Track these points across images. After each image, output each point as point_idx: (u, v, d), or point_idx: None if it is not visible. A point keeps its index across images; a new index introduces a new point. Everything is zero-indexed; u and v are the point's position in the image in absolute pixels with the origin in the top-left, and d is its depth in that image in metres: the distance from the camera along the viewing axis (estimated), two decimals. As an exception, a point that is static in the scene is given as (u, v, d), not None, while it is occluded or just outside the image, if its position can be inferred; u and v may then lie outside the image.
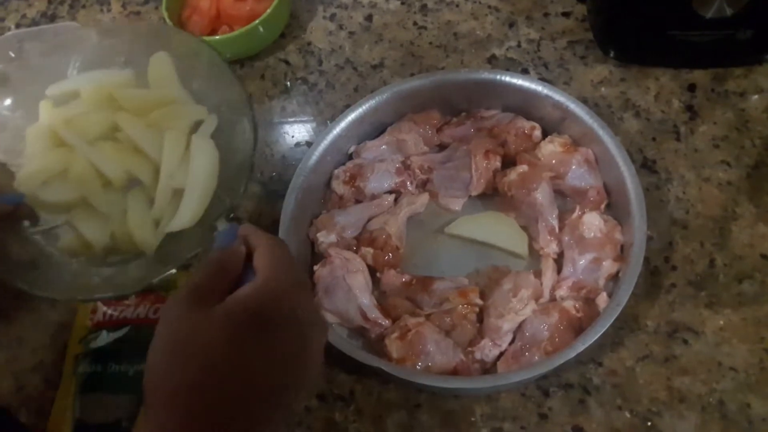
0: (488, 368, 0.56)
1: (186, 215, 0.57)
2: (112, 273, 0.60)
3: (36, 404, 0.63)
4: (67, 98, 0.64)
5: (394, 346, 0.56)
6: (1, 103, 0.66)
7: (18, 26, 0.92)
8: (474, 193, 0.65)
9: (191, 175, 0.58)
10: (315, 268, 0.62)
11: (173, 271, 0.56)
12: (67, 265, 0.60)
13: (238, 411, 0.37)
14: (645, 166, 0.65)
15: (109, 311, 0.66)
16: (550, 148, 0.63)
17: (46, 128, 0.61)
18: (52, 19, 0.92)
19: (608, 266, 0.57)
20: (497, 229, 0.62)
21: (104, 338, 0.65)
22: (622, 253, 0.58)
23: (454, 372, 0.55)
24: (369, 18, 0.81)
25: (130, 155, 0.60)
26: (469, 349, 0.56)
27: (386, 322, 0.59)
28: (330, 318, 0.60)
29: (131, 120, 0.61)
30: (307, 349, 0.40)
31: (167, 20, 0.78)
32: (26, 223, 0.61)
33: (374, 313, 0.59)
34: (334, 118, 0.73)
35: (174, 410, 0.38)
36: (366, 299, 0.60)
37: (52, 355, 0.66)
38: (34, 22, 0.92)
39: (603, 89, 0.70)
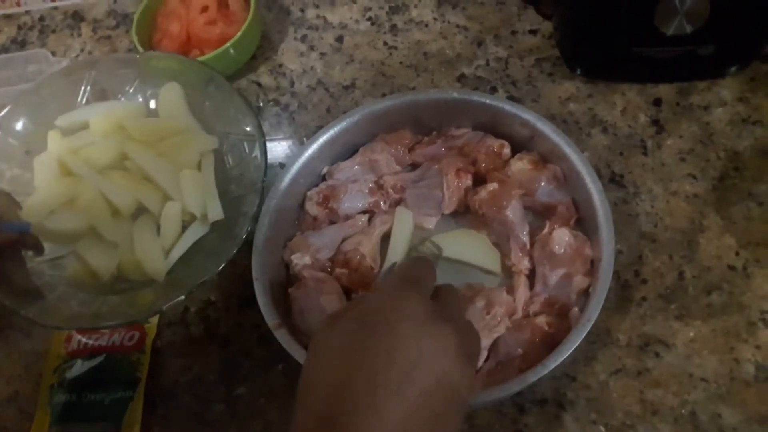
0: (464, 387, 0.57)
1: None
2: (120, 301, 0.60)
3: (11, 435, 0.63)
4: (77, 128, 0.65)
5: (369, 368, 0.56)
6: (9, 132, 0.66)
7: (-13, 53, 0.92)
8: (447, 212, 0.65)
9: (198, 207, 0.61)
10: (290, 290, 0.62)
11: (182, 297, 0.57)
12: (74, 294, 0.60)
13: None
14: (613, 181, 0.66)
15: (84, 339, 0.66)
16: (520, 166, 0.64)
17: (54, 157, 0.62)
18: (22, 44, 0.91)
19: (579, 281, 0.58)
20: (470, 247, 0.63)
21: (79, 367, 0.64)
22: (592, 268, 0.59)
23: (430, 391, 0.56)
24: (340, 39, 0.82)
25: (138, 184, 0.61)
26: (445, 368, 0.56)
27: (362, 343, 0.59)
28: (306, 340, 0.60)
29: (141, 149, 0.62)
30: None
31: (137, 45, 0.78)
32: (29, 252, 0.61)
33: (350, 335, 0.59)
34: (307, 138, 0.73)
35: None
36: (341, 321, 0.60)
37: (27, 385, 0.65)
38: (4, 48, 0.92)
39: (571, 105, 0.71)
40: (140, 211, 0.63)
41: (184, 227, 0.63)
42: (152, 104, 0.71)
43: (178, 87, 0.68)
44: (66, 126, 0.67)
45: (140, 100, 0.70)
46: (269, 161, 0.68)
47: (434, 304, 0.41)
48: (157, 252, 0.60)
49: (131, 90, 0.71)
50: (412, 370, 0.36)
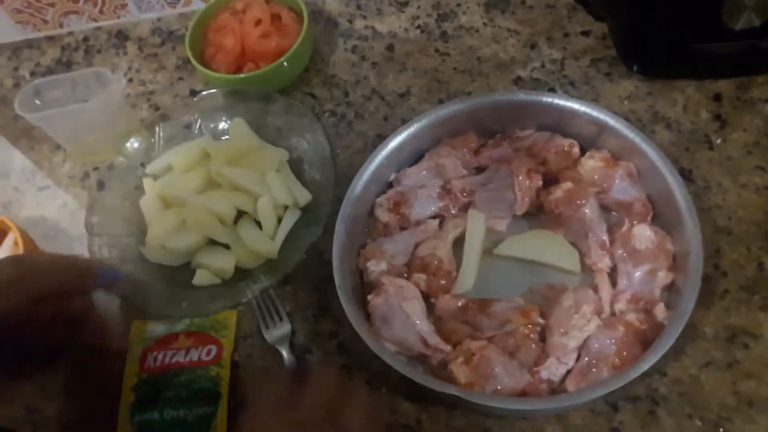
0: (556, 387, 0.57)
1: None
2: (197, 297, 0.66)
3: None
4: (163, 172, 0.75)
5: (460, 372, 0.56)
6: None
7: (33, 74, 0.92)
8: (519, 213, 0.65)
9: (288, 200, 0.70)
10: (369, 297, 0.62)
11: (250, 296, 0.64)
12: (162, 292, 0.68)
13: None
14: (682, 176, 0.65)
15: (160, 356, 0.65)
16: (592, 164, 0.64)
17: (155, 196, 0.72)
18: (68, 65, 0.92)
19: (663, 277, 0.58)
20: (547, 247, 0.63)
21: (157, 384, 0.64)
22: (674, 263, 0.59)
23: (523, 393, 0.56)
24: (390, 48, 0.83)
25: (231, 194, 0.70)
26: (536, 369, 0.56)
27: (448, 348, 0.59)
28: (389, 347, 0.59)
29: (226, 167, 0.71)
30: None
31: (192, 60, 0.79)
32: None
33: (435, 339, 0.59)
34: (367, 147, 0.74)
35: None
36: (425, 326, 0.60)
37: (106, 405, 0.64)
38: (49, 70, 0.92)
39: (631, 104, 0.72)
40: (238, 217, 0.71)
41: (279, 219, 0.70)
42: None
43: (242, 122, 0.76)
44: (153, 172, 0.75)
45: (206, 135, 0.78)
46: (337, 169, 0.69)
47: None
48: (264, 238, 0.68)
49: (196, 130, 0.78)
50: None
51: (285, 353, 0.63)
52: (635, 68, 0.72)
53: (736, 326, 0.58)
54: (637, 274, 0.59)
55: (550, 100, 0.66)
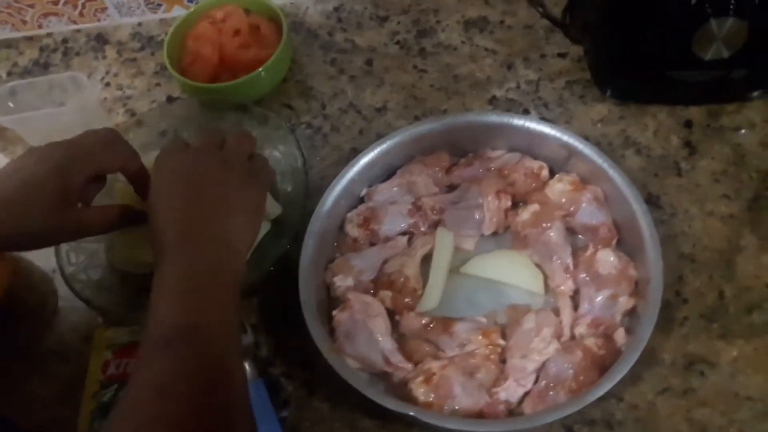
0: (513, 408, 0.57)
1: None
2: None
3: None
4: None
5: (420, 391, 0.56)
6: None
7: (9, 74, 0.92)
8: (487, 233, 0.66)
9: None
10: (334, 313, 0.62)
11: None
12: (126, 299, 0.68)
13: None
14: (649, 202, 0.67)
15: (123, 364, 0.65)
16: (560, 187, 0.65)
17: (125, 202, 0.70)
18: (45, 66, 0.92)
19: (624, 302, 0.59)
20: (512, 268, 0.64)
21: (117, 392, 0.63)
22: (636, 288, 0.60)
23: (481, 414, 0.56)
24: (369, 62, 0.83)
25: None
26: (494, 390, 0.57)
27: (409, 366, 0.59)
28: (351, 363, 0.60)
29: None
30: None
31: (169, 68, 0.79)
32: None
33: (397, 358, 0.59)
34: (341, 160, 0.74)
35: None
36: (388, 344, 0.60)
37: (66, 411, 0.64)
38: (26, 71, 0.92)
39: (603, 127, 0.73)
40: None
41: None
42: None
43: None
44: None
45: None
46: (309, 184, 0.69)
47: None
48: None
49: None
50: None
51: (247, 366, 0.63)
52: (608, 92, 0.73)
53: (694, 354, 0.59)
54: (599, 298, 0.59)
55: (521, 122, 0.67)
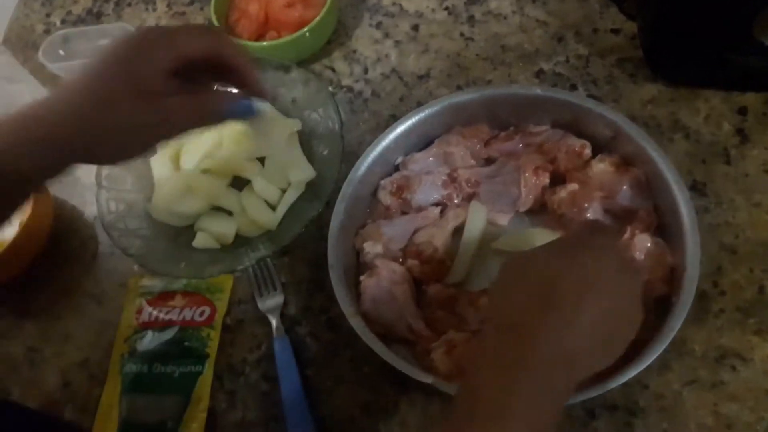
0: (535, 386, 0.56)
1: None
2: (196, 259, 0.68)
3: (81, 401, 0.65)
4: None
5: (441, 361, 0.56)
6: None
7: (63, 22, 0.94)
8: (522, 209, 0.65)
9: (292, 175, 0.71)
10: (361, 278, 0.62)
11: (247, 264, 0.65)
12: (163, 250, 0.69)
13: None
14: (694, 189, 0.65)
15: (155, 312, 0.67)
16: (601, 168, 0.63)
17: (165, 158, 0.73)
18: (98, 16, 0.93)
19: (658, 288, 0.57)
20: (545, 247, 0.62)
21: (150, 339, 0.66)
22: (671, 276, 0.58)
23: (501, 389, 0.56)
24: (415, 28, 0.82)
25: (236, 162, 0.71)
26: (516, 366, 0.56)
27: (432, 336, 0.59)
28: (376, 329, 0.60)
29: (232, 135, 0.72)
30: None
31: (215, 22, 0.79)
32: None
33: (420, 326, 0.59)
34: (379, 126, 0.74)
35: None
36: (412, 312, 0.60)
37: (98, 353, 0.67)
38: (80, 19, 0.93)
39: (652, 109, 0.70)
40: (245, 184, 0.72)
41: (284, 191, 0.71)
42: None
43: None
44: None
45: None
46: (346, 148, 0.69)
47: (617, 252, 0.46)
48: (266, 209, 0.69)
49: None
50: (599, 296, 0.42)
51: (274, 322, 0.64)
52: (661, 73, 0.70)
53: (727, 347, 0.57)
54: (632, 283, 0.58)
55: (566, 98, 0.65)
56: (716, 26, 0.62)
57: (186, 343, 0.65)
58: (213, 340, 0.65)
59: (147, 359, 0.65)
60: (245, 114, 0.52)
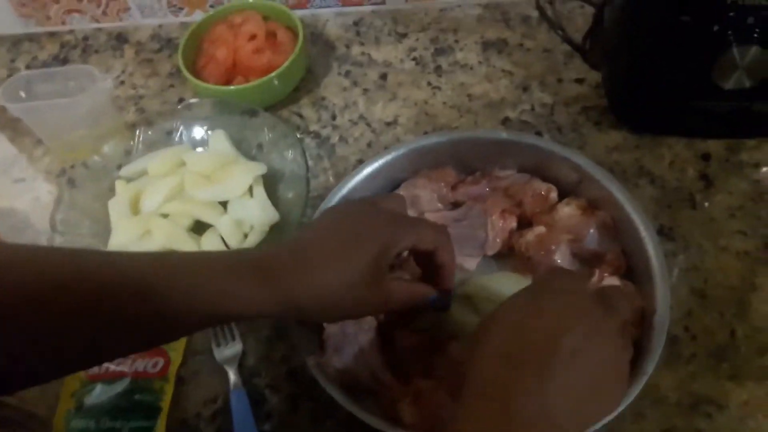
0: (505, 437, 0.54)
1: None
2: None
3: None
4: (137, 176, 0.74)
5: (407, 412, 0.54)
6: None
7: (28, 68, 0.92)
8: (490, 253, 0.64)
9: (255, 218, 0.69)
10: (325, 325, 0.60)
11: None
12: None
13: None
14: (661, 233, 0.64)
15: (106, 364, 0.63)
16: (567, 211, 0.63)
17: (124, 201, 0.71)
18: (64, 62, 0.92)
19: (628, 332, 0.56)
20: (514, 290, 0.61)
21: (98, 392, 0.62)
22: (642, 320, 0.57)
23: (470, 440, 0.53)
24: (384, 77, 0.82)
25: (197, 206, 0.70)
26: (486, 415, 0.54)
27: (397, 385, 0.56)
28: (340, 379, 0.57)
29: (194, 179, 0.71)
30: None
31: (182, 68, 0.78)
32: None
33: (386, 376, 0.57)
34: (347, 171, 0.73)
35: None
36: (377, 360, 0.58)
37: (42, 409, 0.62)
38: (46, 65, 0.92)
39: (617, 155, 0.70)
40: (205, 229, 0.70)
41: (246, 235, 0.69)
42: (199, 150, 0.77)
43: (223, 134, 0.75)
44: (128, 174, 0.74)
45: (186, 143, 0.77)
46: (311, 192, 0.67)
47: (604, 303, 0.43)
48: None
49: (177, 138, 0.77)
50: (583, 349, 0.40)
51: (232, 374, 0.61)
52: (625, 121, 0.71)
53: (701, 394, 0.55)
54: (602, 328, 0.56)
55: (532, 141, 0.65)
56: (677, 74, 0.64)
57: (137, 396, 0.61)
58: (166, 393, 0.61)
59: (95, 414, 0.60)
60: (443, 307, 0.56)
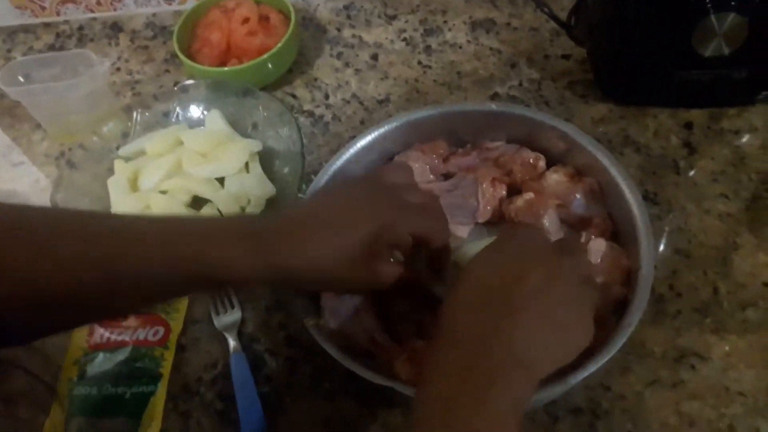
0: (497, 392, 0.55)
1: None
2: None
3: (27, 427, 0.61)
4: (136, 155, 0.75)
5: (402, 369, 0.55)
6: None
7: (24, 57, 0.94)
8: (481, 220, 0.65)
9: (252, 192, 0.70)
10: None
11: None
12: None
13: None
14: (646, 198, 0.66)
15: (107, 333, 0.65)
16: (555, 178, 0.64)
17: (123, 179, 0.72)
18: (59, 51, 0.93)
19: (616, 291, 0.57)
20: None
21: (101, 360, 0.63)
22: (629, 279, 0.59)
23: (463, 395, 0.55)
24: (375, 57, 0.84)
25: (195, 182, 0.71)
26: (478, 371, 0.56)
27: (393, 345, 0.58)
28: (337, 342, 0.59)
29: (192, 157, 0.72)
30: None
31: (178, 53, 0.80)
32: None
33: (381, 336, 0.58)
34: (341, 148, 0.74)
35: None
36: (373, 322, 0.59)
37: (46, 377, 0.63)
38: (40, 54, 0.94)
39: (603, 127, 0.72)
40: (203, 204, 0.71)
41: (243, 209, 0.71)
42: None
43: (218, 113, 0.76)
44: (126, 154, 0.76)
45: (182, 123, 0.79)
46: (306, 168, 0.69)
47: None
48: None
49: (173, 119, 0.79)
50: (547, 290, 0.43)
51: (231, 340, 0.62)
52: (611, 93, 0.73)
53: (686, 347, 0.57)
54: (590, 286, 0.58)
55: (520, 112, 0.67)
56: (659, 44, 0.66)
57: (138, 364, 0.62)
58: (167, 360, 0.63)
59: (96, 381, 0.62)
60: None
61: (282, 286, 0.59)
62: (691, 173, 0.68)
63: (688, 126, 0.71)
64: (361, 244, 0.48)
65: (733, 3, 0.60)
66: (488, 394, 0.39)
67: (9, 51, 0.95)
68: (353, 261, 0.48)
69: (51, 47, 0.94)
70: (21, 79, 0.79)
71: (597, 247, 0.59)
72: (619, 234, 0.62)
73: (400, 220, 0.50)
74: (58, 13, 0.96)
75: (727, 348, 0.57)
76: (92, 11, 0.96)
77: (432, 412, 0.40)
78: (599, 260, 0.59)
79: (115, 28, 0.94)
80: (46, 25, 0.97)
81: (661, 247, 0.63)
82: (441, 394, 0.40)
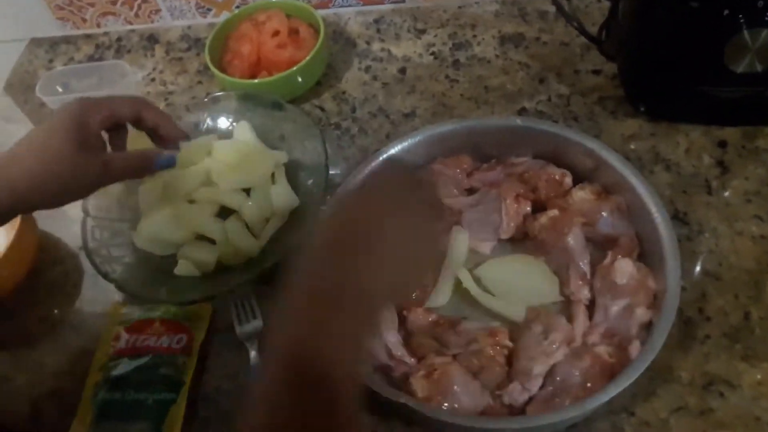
0: (517, 413, 0.55)
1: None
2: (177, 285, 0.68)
3: (55, 429, 0.62)
4: None
5: (419, 385, 0.55)
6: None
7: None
8: (504, 237, 0.65)
9: (277, 203, 0.71)
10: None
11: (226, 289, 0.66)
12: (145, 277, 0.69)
13: None
14: (676, 218, 0.65)
15: (132, 339, 0.66)
16: (581, 195, 0.64)
17: (154, 187, 0.73)
18: (98, 62, 0.96)
19: (641, 314, 0.56)
20: (528, 273, 0.62)
21: (125, 366, 0.64)
22: (655, 301, 0.57)
23: (482, 415, 0.54)
24: (402, 71, 0.84)
25: (223, 193, 0.72)
26: (498, 392, 0.55)
27: (412, 361, 0.58)
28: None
29: (220, 168, 0.73)
30: None
31: (209, 64, 0.82)
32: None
33: (400, 351, 0.58)
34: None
35: None
36: (392, 337, 0.59)
37: (72, 382, 0.65)
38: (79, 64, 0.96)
39: (633, 143, 0.71)
40: (229, 214, 0.72)
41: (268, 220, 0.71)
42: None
43: (247, 125, 0.77)
44: None
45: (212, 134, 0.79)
46: (331, 180, 0.70)
47: None
48: (248, 236, 0.69)
49: (204, 129, 0.80)
50: None
51: (252, 350, 0.63)
52: (642, 108, 0.72)
53: (714, 374, 0.56)
54: (615, 308, 0.57)
55: (546, 128, 0.66)
56: (691, 60, 0.64)
57: (161, 370, 0.63)
58: (189, 367, 0.63)
59: (120, 387, 0.63)
60: (168, 165, 0.62)
61: (23, 212, 0.66)
62: (726, 193, 0.66)
63: (722, 144, 0.69)
64: (66, 139, 0.54)
65: (767, 18, 0.58)
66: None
67: (51, 61, 0.98)
68: (67, 156, 0.54)
69: (90, 58, 0.97)
70: (59, 89, 0.81)
71: (624, 268, 0.58)
72: (646, 254, 0.61)
73: (90, 105, 0.56)
74: (98, 25, 0.99)
75: (759, 376, 0.55)
76: (130, 23, 0.98)
77: None
78: (624, 281, 0.58)
79: (152, 39, 0.96)
80: (87, 36, 0.99)
81: (692, 269, 0.61)
82: None
